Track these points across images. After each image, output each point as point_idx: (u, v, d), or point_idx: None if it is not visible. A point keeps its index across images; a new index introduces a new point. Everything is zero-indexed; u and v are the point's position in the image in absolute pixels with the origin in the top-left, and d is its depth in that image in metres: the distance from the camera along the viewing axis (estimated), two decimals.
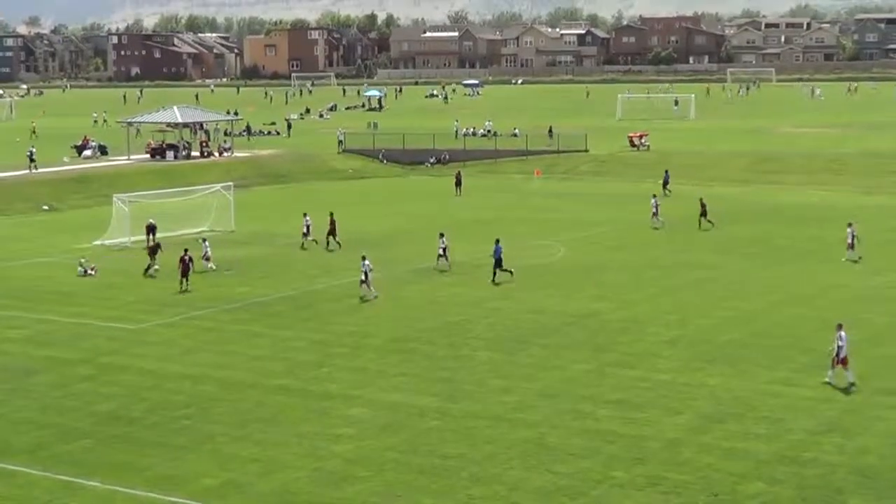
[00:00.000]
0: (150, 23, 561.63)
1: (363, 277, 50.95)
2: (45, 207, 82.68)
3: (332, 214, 64.51)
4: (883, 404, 35.04)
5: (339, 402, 35.95)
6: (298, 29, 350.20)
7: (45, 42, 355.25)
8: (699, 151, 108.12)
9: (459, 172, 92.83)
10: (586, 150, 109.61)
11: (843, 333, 37.26)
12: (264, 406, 35.70)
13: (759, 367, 39.09)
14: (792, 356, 40.53)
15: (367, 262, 50.81)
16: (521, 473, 29.77)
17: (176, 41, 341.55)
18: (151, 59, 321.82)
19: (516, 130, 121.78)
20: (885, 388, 36.77)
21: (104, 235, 66.31)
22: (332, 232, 63.85)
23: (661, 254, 61.89)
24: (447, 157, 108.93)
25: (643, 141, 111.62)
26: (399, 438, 32.52)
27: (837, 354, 37.25)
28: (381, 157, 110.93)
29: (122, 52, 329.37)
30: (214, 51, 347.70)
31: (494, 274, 54.64)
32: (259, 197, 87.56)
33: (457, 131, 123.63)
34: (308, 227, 64.45)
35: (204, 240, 59.19)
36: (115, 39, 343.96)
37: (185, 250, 53.84)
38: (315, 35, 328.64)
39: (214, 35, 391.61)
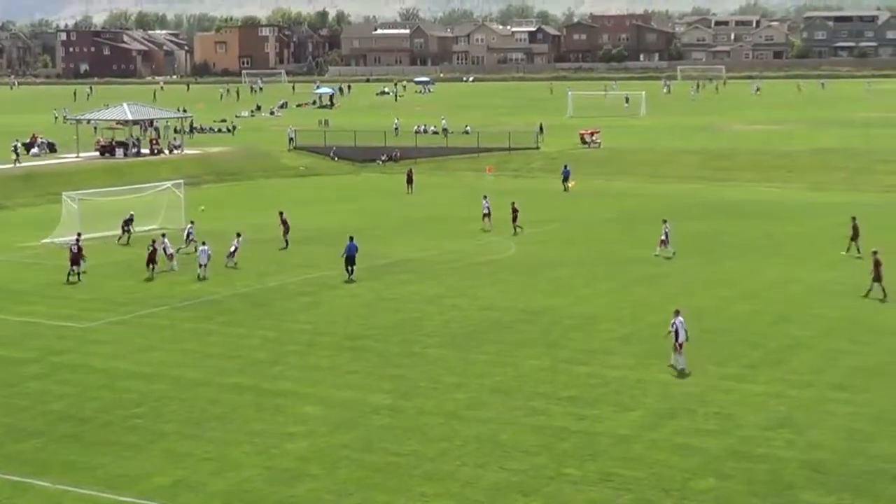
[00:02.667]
0: (99, 20, 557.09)
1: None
2: None
3: (281, 213, 64.39)
4: (834, 399, 35.30)
5: (292, 400, 35.84)
6: (249, 26, 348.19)
7: None
8: (650, 148, 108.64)
9: (411, 170, 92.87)
10: (538, 148, 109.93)
11: (680, 319, 38.03)
12: (217, 404, 35.52)
13: (709, 364, 39.26)
14: (742, 352, 40.77)
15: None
16: (474, 470, 29.78)
17: (125, 38, 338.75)
18: (101, 56, 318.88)
19: (468, 128, 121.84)
20: (836, 383, 37.08)
21: (53, 233, 65.71)
22: (286, 231, 63.75)
23: (613, 250, 62.09)
24: (399, 154, 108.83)
25: (595, 138, 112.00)
26: (352, 436, 32.46)
27: (675, 339, 37.79)
28: (332, 154, 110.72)
29: (71, 49, 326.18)
30: (164, 48, 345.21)
31: (349, 272, 54.58)
32: (210, 194, 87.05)
33: (396, 129, 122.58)
34: (189, 234, 62.02)
35: (164, 235, 58.92)
36: (63, 36, 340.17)
37: (153, 241, 56.53)
38: (266, 32, 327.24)
39: (164, 32, 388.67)
